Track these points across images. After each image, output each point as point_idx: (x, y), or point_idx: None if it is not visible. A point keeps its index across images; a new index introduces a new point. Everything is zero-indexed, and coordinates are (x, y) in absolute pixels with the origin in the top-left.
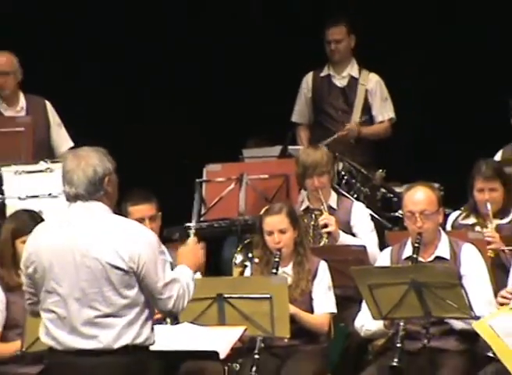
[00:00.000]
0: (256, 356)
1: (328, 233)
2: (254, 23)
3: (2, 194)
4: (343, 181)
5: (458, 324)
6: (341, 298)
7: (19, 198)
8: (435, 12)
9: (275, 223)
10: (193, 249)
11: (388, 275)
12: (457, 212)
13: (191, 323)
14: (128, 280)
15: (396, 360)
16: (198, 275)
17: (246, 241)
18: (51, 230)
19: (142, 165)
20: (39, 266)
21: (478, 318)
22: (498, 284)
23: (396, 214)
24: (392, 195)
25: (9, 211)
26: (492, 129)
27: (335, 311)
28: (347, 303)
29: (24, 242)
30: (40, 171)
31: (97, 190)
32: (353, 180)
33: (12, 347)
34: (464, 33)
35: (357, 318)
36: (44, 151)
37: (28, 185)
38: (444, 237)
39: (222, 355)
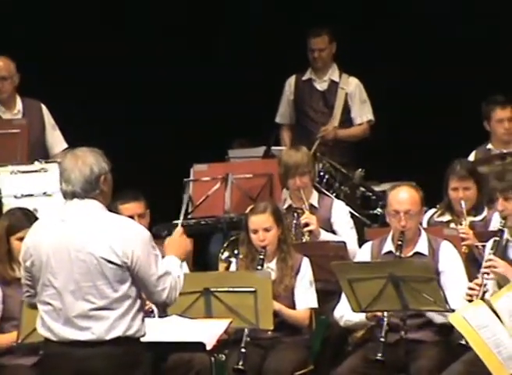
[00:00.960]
0: (242, 350)
1: (310, 231)
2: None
3: None
4: (324, 180)
5: (438, 319)
6: (322, 292)
7: (15, 197)
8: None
9: (260, 221)
10: (179, 239)
11: (367, 269)
12: (433, 210)
13: (179, 315)
14: (121, 275)
15: (379, 354)
16: (186, 270)
17: (231, 238)
18: (49, 226)
19: (131, 164)
20: (36, 260)
21: (453, 311)
22: (471, 279)
23: (375, 211)
24: (371, 194)
25: (6, 209)
26: (465, 131)
27: (316, 306)
28: (328, 297)
29: (18, 239)
30: (35, 171)
31: (93, 188)
32: (333, 180)
33: (9, 338)
34: (444, 35)
35: (336, 308)
36: (39, 151)
37: (23, 184)
38: (423, 235)
39: (209, 347)
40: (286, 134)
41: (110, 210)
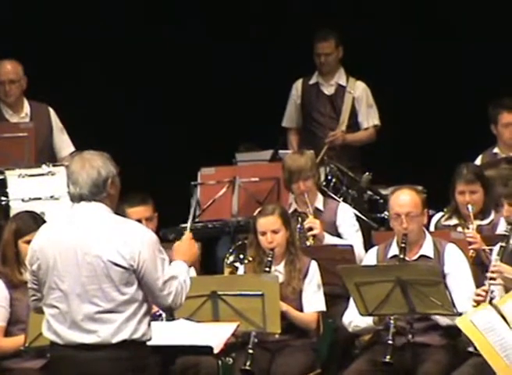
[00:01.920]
0: (250, 351)
1: (314, 235)
2: (250, 30)
3: (7, 196)
4: (331, 184)
5: (443, 321)
6: (329, 295)
7: (23, 200)
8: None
9: (268, 223)
10: (187, 244)
11: (374, 273)
12: (440, 214)
13: (186, 319)
14: (128, 278)
15: (388, 356)
16: (193, 273)
17: (238, 243)
18: (56, 229)
19: (139, 168)
20: (43, 263)
21: (460, 314)
22: (477, 282)
23: (382, 215)
24: (378, 197)
25: (13, 212)
26: (472, 134)
27: (324, 309)
28: (335, 300)
29: (26, 242)
30: (43, 174)
31: (100, 191)
32: (341, 183)
33: (17, 342)
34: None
35: (344, 314)
36: (47, 155)
37: (31, 188)
38: (428, 237)
39: (216, 350)
40: (294, 138)
41: (117, 213)
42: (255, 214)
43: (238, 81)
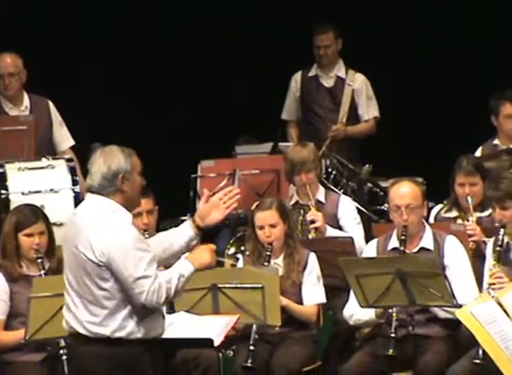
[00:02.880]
0: (251, 347)
1: (316, 228)
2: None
3: (7, 189)
4: (331, 176)
5: (442, 314)
6: (329, 287)
7: (23, 193)
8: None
9: (266, 218)
10: (202, 251)
11: (374, 265)
12: (440, 206)
13: (187, 311)
14: (101, 273)
15: (391, 350)
16: None
17: (238, 234)
18: (70, 218)
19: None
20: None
21: (460, 306)
22: (477, 274)
23: (382, 207)
24: (378, 189)
25: (13, 205)
26: (472, 126)
27: (324, 301)
28: (335, 292)
29: (26, 235)
30: (43, 168)
31: (109, 185)
32: (341, 176)
33: (17, 335)
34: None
35: (345, 307)
36: (47, 148)
37: (31, 181)
38: (428, 230)
39: (217, 343)
40: (293, 131)
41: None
42: (253, 208)
43: (237, 74)
